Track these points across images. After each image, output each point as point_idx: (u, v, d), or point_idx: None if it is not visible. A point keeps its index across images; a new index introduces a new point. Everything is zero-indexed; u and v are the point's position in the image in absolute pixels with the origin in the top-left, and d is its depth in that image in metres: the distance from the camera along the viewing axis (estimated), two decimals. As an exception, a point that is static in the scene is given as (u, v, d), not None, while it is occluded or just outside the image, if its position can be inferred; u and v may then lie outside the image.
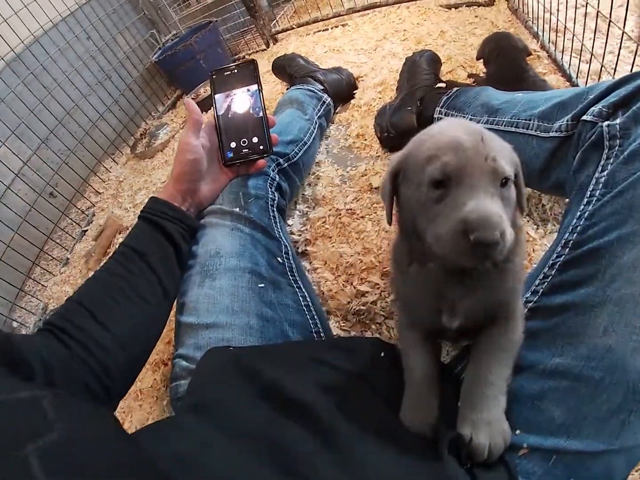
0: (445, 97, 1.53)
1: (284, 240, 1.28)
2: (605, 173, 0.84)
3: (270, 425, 0.69)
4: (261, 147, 1.29)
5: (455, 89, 1.54)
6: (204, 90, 3.01)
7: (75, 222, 2.65)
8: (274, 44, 3.28)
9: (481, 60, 1.88)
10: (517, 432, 0.71)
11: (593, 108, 0.93)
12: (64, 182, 2.65)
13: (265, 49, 3.30)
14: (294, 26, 3.14)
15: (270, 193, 1.36)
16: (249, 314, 1.07)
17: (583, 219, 0.83)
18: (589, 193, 0.85)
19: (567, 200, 1.01)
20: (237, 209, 1.24)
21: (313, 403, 0.72)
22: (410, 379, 0.80)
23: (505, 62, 1.72)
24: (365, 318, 1.32)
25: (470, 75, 1.97)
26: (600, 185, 0.83)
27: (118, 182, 2.82)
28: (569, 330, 0.74)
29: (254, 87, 1.30)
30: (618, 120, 0.86)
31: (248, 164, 1.30)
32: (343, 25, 2.93)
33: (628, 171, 0.79)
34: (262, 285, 1.13)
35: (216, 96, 1.30)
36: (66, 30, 2.81)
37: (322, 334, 1.13)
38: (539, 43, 2.00)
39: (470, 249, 0.58)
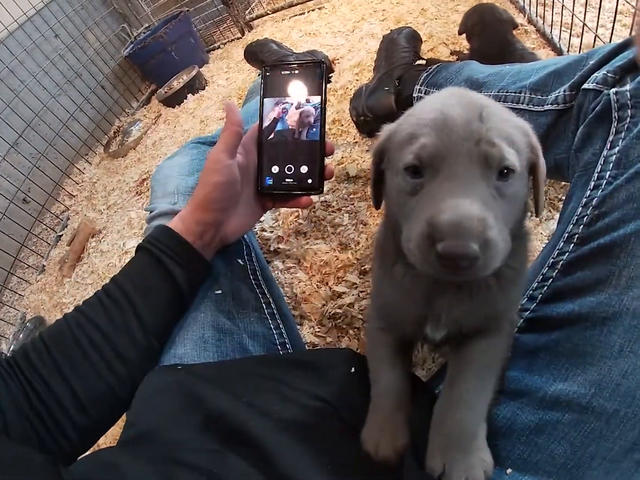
0: (425, 74, 1.39)
1: (247, 240, 1.14)
2: (616, 150, 0.69)
3: (211, 459, 0.60)
4: (309, 181, 0.93)
5: (435, 64, 1.40)
6: (177, 82, 2.90)
7: (49, 227, 2.57)
8: (249, 31, 3.17)
9: (464, 36, 1.74)
10: (509, 471, 0.59)
11: (595, 74, 0.78)
12: (36, 187, 2.56)
13: (240, 37, 3.20)
14: (268, 12, 3.03)
15: None
16: (204, 326, 0.94)
17: (590, 207, 0.68)
18: (596, 175, 0.70)
19: (566, 183, 0.87)
20: None
21: (260, 435, 0.62)
22: (376, 393, 0.70)
23: (490, 35, 1.58)
24: (342, 322, 1.19)
25: (453, 53, 1.85)
26: (611, 165, 0.69)
27: (92, 184, 2.72)
28: (575, 348, 0.60)
29: (317, 99, 0.93)
30: (628, 87, 0.71)
31: (288, 197, 0.98)
32: (320, 9, 2.83)
33: None
34: (219, 291, 0.99)
35: (265, 100, 0.97)
36: (32, 30, 2.71)
37: (288, 346, 1.00)
38: (526, 17, 1.89)
39: (439, 261, 0.45)
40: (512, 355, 0.67)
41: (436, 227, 0.45)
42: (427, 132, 0.50)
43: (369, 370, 0.74)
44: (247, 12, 3.18)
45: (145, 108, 3.21)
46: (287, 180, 0.95)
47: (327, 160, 0.93)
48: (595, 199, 0.68)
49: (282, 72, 0.96)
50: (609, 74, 0.76)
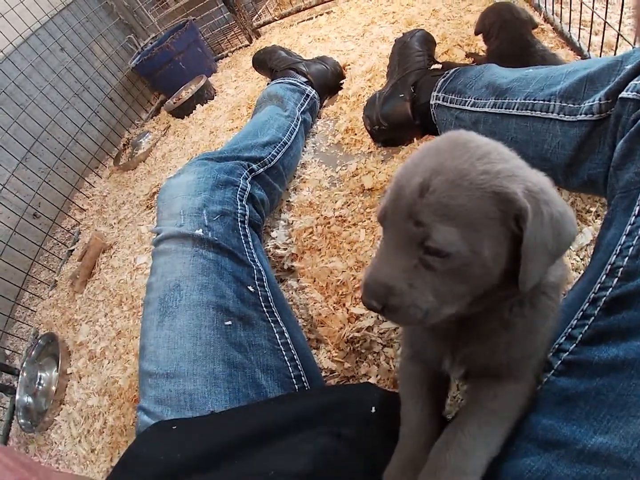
0: (442, 80, 1.33)
1: (258, 264, 1.08)
2: None
3: None
4: None
5: (453, 69, 1.34)
6: (185, 92, 2.86)
7: (60, 242, 2.53)
8: (257, 38, 3.12)
9: (480, 37, 1.66)
10: None
11: (635, 82, 0.71)
12: (46, 202, 2.51)
13: (248, 45, 3.16)
14: (276, 18, 2.98)
15: (239, 207, 1.17)
16: (214, 360, 0.89)
17: (637, 237, 0.60)
18: None
19: (600, 199, 0.79)
20: (200, 231, 1.06)
21: None
22: (403, 433, 0.67)
23: (509, 35, 1.50)
24: (361, 347, 1.12)
25: (468, 55, 1.77)
26: None
27: (102, 197, 2.68)
28: (618, 398, 0.53)
29: None
30: None
31: None
32: (328, 13, 2.77)
33: None
34: (230, 322, 0.94)
35: None
36: (38, 43, 2.68)
37: (303, 378, 0.93)
38: (542, 16, 1.81)
39: None
40: (548, 401, 0.61)
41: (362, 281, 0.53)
42: (387, 197, 0.54)
43: (395, 407, 0.70)
44: (254, 19, 3.14)
45: (154, 119, 3.17)
46: None
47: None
48: None
49: None
50: None
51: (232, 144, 1.42)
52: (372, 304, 0.51)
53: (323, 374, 1.11)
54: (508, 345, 0.59)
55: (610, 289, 0.60)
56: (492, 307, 0.57)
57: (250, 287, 1.02)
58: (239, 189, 1.22)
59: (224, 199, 1.16)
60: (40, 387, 1.76)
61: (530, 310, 0.58)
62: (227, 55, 3.29)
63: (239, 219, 1.15)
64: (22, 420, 1.62)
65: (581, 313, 0.62)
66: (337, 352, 1.14)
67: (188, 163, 1.29)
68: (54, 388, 1.66)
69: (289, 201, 1.61)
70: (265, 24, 3.08)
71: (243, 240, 1.11)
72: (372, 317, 1.14)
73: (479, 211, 0.48)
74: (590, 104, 0.81)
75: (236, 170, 1.27)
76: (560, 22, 1.67)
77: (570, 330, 0.63)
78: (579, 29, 1.51)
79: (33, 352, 1.81)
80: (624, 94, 0.73)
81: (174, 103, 2.86)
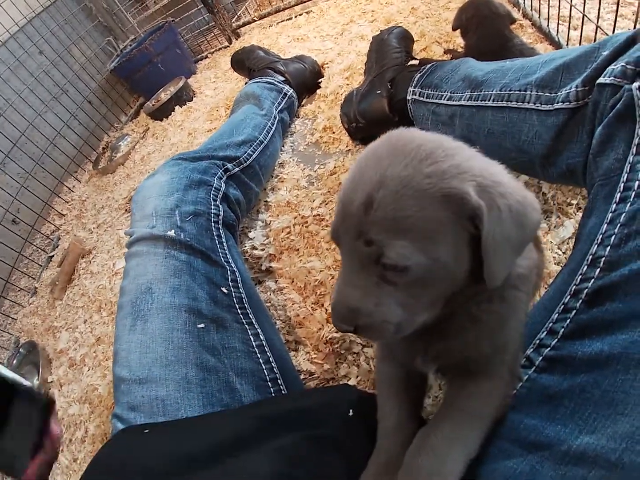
0: (419, 75, 1.32)
1: (232, 265, 1.06)
2: None
3: None
4: None
5: (429, 64, 1.33)
6: (164, 94, 2.83)
7: (40, 248, 2.48)
8: (237, 39, 3.11)
9: (458, 34, 1.66)
10: None
11: (612, 67, 0.69)
12: (25, 208, 2.48)
13: (227, 46, 3.14)
14: (255, 19, 2.96)
15: (213, 207, 1.15)
16: (187, 364, 0.87)
17: (618, 225, 0.58)
18: (622, 185, 0.61)
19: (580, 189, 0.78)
20: (172, 232, 1.03)
21: None
22: (380, 434, 0.66)
23: (487, 30, 1.49)
24: (340, 347, 1.10)
25: (447, 51, 1.77)
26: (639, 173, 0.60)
27: (81, 202, 2.64)
28: (604, 395, 0.51)
29: None
30: None
31: None
32: (307, 13, 2.77)
33: None
34: (202, 325, 0.91)
35: None
36: (16, 47, 2.66)
37: (279, 381, 0.91)
38: (521, 11, 1.82)
39: None
40: (530, 400, 0.58)
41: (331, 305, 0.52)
42: (336, 215, 0.52)
43: (373, 409, 0.68)
44: (233, 19, 3.12)
45: (133, 122, 3.14)
46: None
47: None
48: (624, 214, 0.58)
49: None
50: (628, 66, 0.66)
51: (208, 144, 1.40)
52: (342, 327, 0.51)
53: (302, 376, 1.09)
54: (477, 340, 0.57)
55: (593, 280, 0.58)
56: (462, 304, 0.55)
57: (223, 289, 1.00)
58: (213, 189, 1.19)
59: (197, 199, 1.13)
60: (22, 395, 1.72)
61: (499, 304, 0.56)
62: (206, 57, 3.28)
63: (212, 219, 1.12)
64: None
65: (562, 306, 0.61)
66: (316, 354, 1.12)
67: (162, 164, 1.27)
68: (34, 396, 1.62)
69: (266, 201, 1.59)
70: (244, 24, 3.07)
71: (217, 241, 1.09)
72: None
73: (430, 219, 0.46)
74: (567, 91, 0.79)
75: (210, 169, 1.24)
76: (539, 17, 1.67)
77: (551, 324, 0.61)
78: (558, 23, 1.51)
79: (14, 361, 1.78)
80: (601, 80, 0.71)
81: (153, 105, 2.83)
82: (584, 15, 1.36)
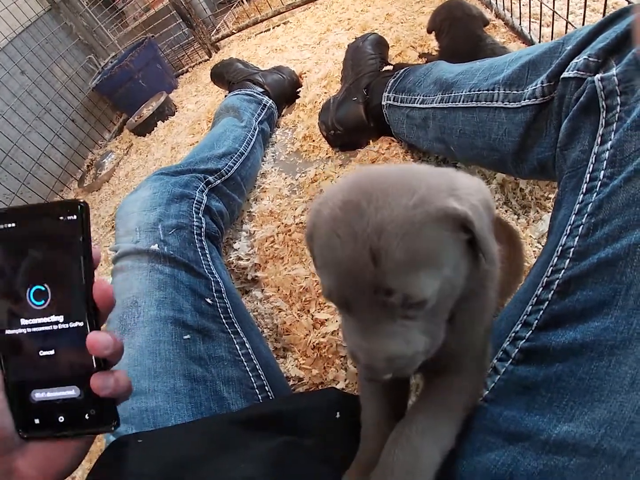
0: (393, 80, 1.34)
1: (216, 276, 1.07)
2: (608, 145, 0.61)
3: None
4: (90, 415, 0.51)
5: (403, 69, 1.34)
6: (147, 110, 2.83)
7: None
8: (216, 52, 3.13)
9: (433, 37, 1.68)
10: None
11: (575, 60, 0.70)
12: (12, 230, 2.44)
13: (207, 60, 3.16)
14: (234, 31, 2.99)
15: (195, 220, 1.16)
16: (175, 375, 0.87)
17: (586, 215, 0.59)
18: (588, 176, 0.62)
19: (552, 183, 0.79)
20: (155, 246, 1.04)
21: None
22: (363, 434, 0.66)
23: (460, 31, 1.52)
24: (327, 352, 1.11)
25: (421, 55, 1.79)
26: (604, 163, 0.60)
27: (67, 222, 2.60)
28: (580, 383, 0.51)
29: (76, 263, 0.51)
30: (614, 71, 0.63)
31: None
32: (285, 23, 2.80)
33: None
34: (188, 336, 0.92)
35: None
36: (-3, 68, 2.64)
37: (267, 388, 0.92)
38: (494, 12, 1.84)
39: None
40: (508, 392, 0.59)
41: (357, 360, 0.50)
42: (332, 277, 0.49)
43: (358, 409, 0.68)
44: (212, 33, 3.13)
45: (117, 139, 3.14)
46: (55, 416, 0.51)
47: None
48: (590, 204, 0.59)
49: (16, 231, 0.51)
50: (590, 59, 0.67)
51: (189, 158, 1.41)
52: (385, 378, 0.50)
53: (291, 382, 1.09)
54: (450, 338, 0.57)
55: (563, 270, 0.59)
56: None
57: (208, 299, 1.00)
58: (195, 202, 1.20)
59: (180, 213, 1.14)
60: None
61: (472, 302, 0.57)
62: (187, 71, 3.29)
63: (195, 231, 1.13)
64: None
65: (536, 298, 0.61)
66: (305, 360, 1.13)
67: (145, 179, 1.28)
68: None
69: (249, 211, 1.60)
70: (223, 37, 3.09)
71: (200, 253, 1.10)
72: (336, 321, 1.13)
73: (433, 245, 0.47)
74: (533, 88, 0.80)
75: (192, 183, 1.25)
76: (512, 16, 1.70)
77: (525, 316, 0.62)
78: (530, 22, 1.53)
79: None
80: (565, 74, 0.72)
81: (136, 121, 2.84)
82: (554, 12, 1.38)
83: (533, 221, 1.13)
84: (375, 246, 0.45)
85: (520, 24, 1.62)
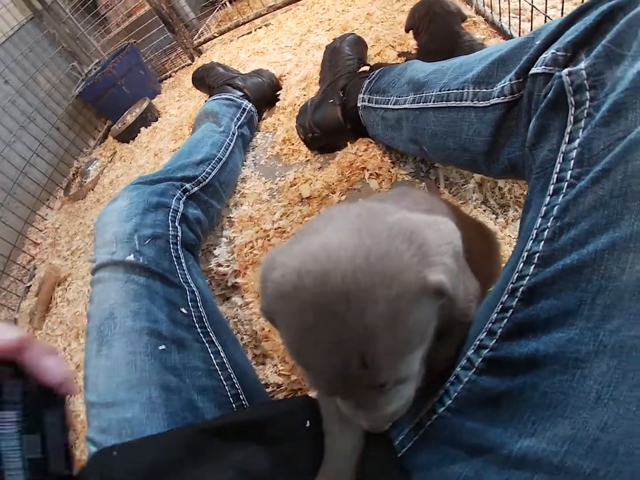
0: (368, 81, 1.33)
1: (192, 285, 1.06)
2: (576, 143, 0.57)
3: None
4: None
5: (378, 69, 1.33)
6: (130, 116, 2.82)
7: (17, 279, 2.44)
8: (199, 56, 3.11)
9: (412, 36, 1.67)
10: None
11: (544, 55, 0.67)
12: (-1, 240, 2.44)
13: (190, 64, 3.14)
14: (215, 35, 2.97)
15: (171, 229, 1.15)
16: (150, 386, 0.87)
17: (552, 218, 0.56)
18: (555, 176, 0.58)
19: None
20: (131, 257, 1.03)
21: None
22: (328, 447, 0.65)
23: (438, 28, 1.51)
24: (305, 357, 1.09)
25: (400, 54, 1.78)
26: (572, 162, 0.56)
27: (54, 230, 2.62)
28: (542, 397, 0.49)
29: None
30: (583, 65, 0.59)
31: None
32: (266, 26, 2.78)
33: (611, 136, 0.53)
34: (163, 347, 0.91)
35: None
36: (-20, 79, 2.63)
37: (242, 396, 0.92)
38: (473, 8, 1.84)
39: None
40: (471, 403, 0.58)
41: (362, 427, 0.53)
42: (315, 375, 0.48)
43: None
44: (195, 37, 3.12)
45: (101, 146, 3.13)
46: None
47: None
48: (557, 206, 0.56)
49: None
50: (559, 53, 0.64)
51: (167, 165, 1.40)
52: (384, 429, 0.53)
53: (270, 389, 1.09)
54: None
55: (528, 277, 0.55)
56: None
57: (183, 309, 1.00)
58: (171, 211, 1.19)
59: (155, 222, 1.13)
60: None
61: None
62: (170, 76, 3.27)
63: (171, 240, 1.12)
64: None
65: (501, 306, 0.58)
66: (283, 366, 1.12)
67: (123, 189, 1.27)
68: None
69: (229, 217, 1.59)
70: (205, 41, 3.07)
71: (175, 262, 1.09)
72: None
73: (419, 324, 0.46)
74: (502, 85, 0.77)
75: (168, 191, 1.24)
76: (492, 12, 1.69)
77: (490, 324, 0.58)
78: (509, 17, 1.53)
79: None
80: (533, 70, 0.68)
81: (119, 128, 2.83)
82: (532, 7, 1.38)
83: (512, 220, 1.12)
84: (364, 350, 0.43)
85: (500, 19, 1.62)
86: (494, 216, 1.14)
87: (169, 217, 1.17)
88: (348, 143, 1.54)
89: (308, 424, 0.70)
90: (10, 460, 0.38)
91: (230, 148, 1.57)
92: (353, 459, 0.62)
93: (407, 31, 1.65)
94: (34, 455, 0.41)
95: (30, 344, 0.46)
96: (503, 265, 0.70)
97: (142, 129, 2.72)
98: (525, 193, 1.10)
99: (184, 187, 1.29)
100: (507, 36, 1.57)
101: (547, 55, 0.65)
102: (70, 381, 0.50)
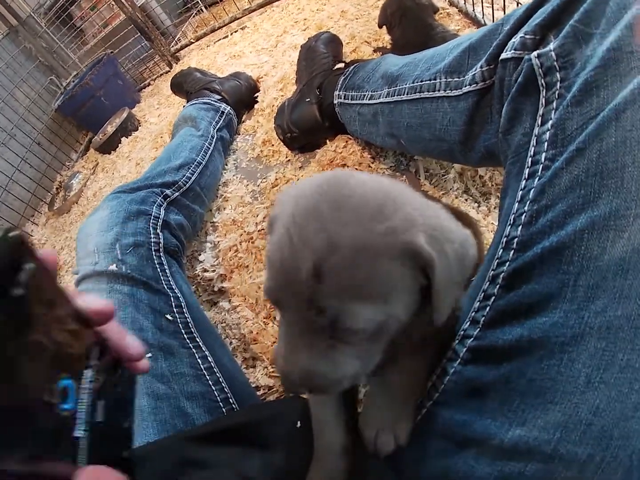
0: (343, 78, 1.32)
1: (176, 291, 1.05)
2: (549, 125, 0.57)
3: None
4: None
5: (352, 66, 1.33)
6: (110, 127, 2.79)
7: None
8: (177, 63, 3.10)
9: (385, 30, 1.67)
10: None
11: (513, 40, 0.67)
12: (-16, 259, 2.40)
13: (169, 71, 3.12)
14: (192, 40, 2.97)
15: (152, 236, 1.14)
16: (138, 395, 0.84)
17: (528, 202, 0.56)
18: (530, 160, 0.58)
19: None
20: (113, 266, 1.02)
21: None
22: (318, 445, 0.65)
23: (411, 22, 1.51)
24: (296, 357, 1.09)
25: (376, 50, 1.79)
26: (545, 144, 0.56)
27: (41, 245, 2.57)
28: (530, 384, 0.48)
29: None
30: (551, 46, 0.59)
31: None
32: (242, 29, 2.77)
33: (584, 115, 0.53)
34: (150, 355, 0.90)
35: None
36: (-42, 98, 2.59)
37: (231, 400, 0.91)
38: (447, 0, 1.83)
39: None
40: (457, 394, 0.57)
41: (277, 369, 0.50)
42: (272, 276, 0.47)
43: None
44: (172, 44, 3.10)
45: (83, 159, 3.10)
46: None
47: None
48: (533, 190, 0.56)
49: None
50: (527, 36, 0.64)
51: (147, 173, 1.39)
52: (298, 391, 0.51)
53: (261, 391, 1.08)
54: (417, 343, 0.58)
55: (508, 263, 0.55)
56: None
57: (168, 316, 0.99)
58: (152, 218, 1.18)
59: (137, 230, 1.12)
60: None
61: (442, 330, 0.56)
62: (149, 84, 3.25)
63: (153, 248, 1.11)
64: None
65: (483, 294, 0.58)
66: (273, 368, 1.11)
67: (103, 199, 1.26)
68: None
69: (213, 222, 1.58)
70: (182, 47, 3.07)
71: (159, 269, 1.08)
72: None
73: (387, 277, 0.44)
74: (473, 73, 0.77)
75: (149, 198, 1.23)
76: (465, 3, 1.70)
77: (473, 313, 0.58)
78: (482, 6, 1.52)
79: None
80: (503, 55, 0.69)
81: (100, 139, 2.80)
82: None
83: (494, 208, 1.12)
84: (323, 264, 0.43)
85: (473, 9, 1.62)
86: (476, 205, 1.14)
87: (150, 224, 1.16)
88: (327, 141, 1.54)
89: (299, 424, 0.70)
90: (82, 415, 0.40)
91: (210, 151, 1.56)
92: (344, 457, 0.62)
93: (380, 27, 1.66)
94: (99, 420, 0.42)
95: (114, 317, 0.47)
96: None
97: (123, 139, 2.70)
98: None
99: (165, 193, 1.28)
100: (481, 26, 1.56)
101: (516, 39, 0.66)
102: (145, 360, 0.50)
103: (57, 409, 0.36)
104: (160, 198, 1.25)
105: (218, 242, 1.50)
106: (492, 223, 1.09)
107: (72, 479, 0.35)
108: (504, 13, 1.39)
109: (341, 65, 1.48)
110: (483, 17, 1.54)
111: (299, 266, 0.43)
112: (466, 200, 1.16)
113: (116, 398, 0.45)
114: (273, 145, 1.72)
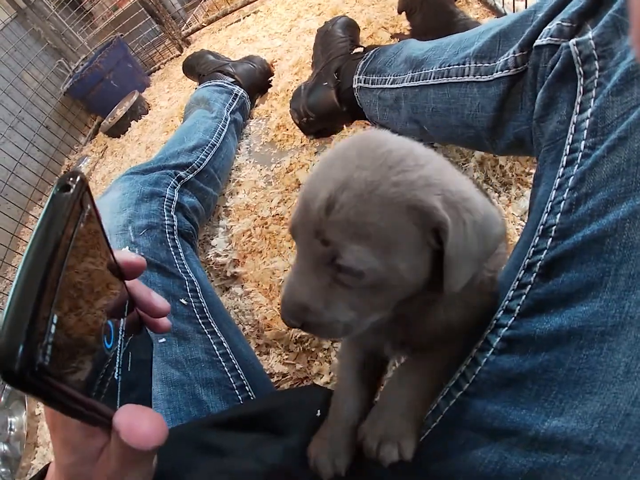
0: (363, 62, 1.30)
1: (190, 275, 1.03)
2: (588, 113, 0.57)
3: None
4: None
5: (372, 50, 1.31)
6: (120, 111, 2.77)
7: (12, 281, 2.39)
8: (187, 47, 3.06)
9: (405, 16, 1.63)
10: None
11: (548, 27, 0.67)
12: (-8, 243, 2.40)
13: (179, 55, 3.08)
14: (204, 24, 2.92)
15: (166, 218, 1.12)
16: (152, 381, 0.84)
17: (567, 189, 0.55)
18: (568, 147, 0.58)
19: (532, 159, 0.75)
20: (126, 249, 1.00)
21: None
22: (331, 416, 0.67)
23: (432, 8, 1.48)
24: (310, 345, 1.09)
25: (394, 36, 1.75)
26: (585, 132, 0.56)
27: (48, 230, 2.55)
28: (569, 374, 0.48)
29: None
30: (590, 34, 0.59)
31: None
32: (255, 13, 2.73)
33: (625, 104, 0.52)
34: (163, 340, 0.89)
35: None
36: (-34, 80, 2.57)
37: (247, 387, 0.89)
38: (466, -13, 1.79)
39: None
40: (491, 385, 0.55)
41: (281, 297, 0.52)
42: (296, 209, 0.51)
43: None
44: (183, 28, 3.07)
45: (91, 142, 3.09)
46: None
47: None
48: (572, 177, 0.55)
49: None
50: (564, 23, 0.64)
51: (159, 154, 1.38)
52: (290, 322, 0.50)
53: (275, 378, 1.07)
54: (446, 330, 0.58)
55: (545, 251, 0.55)
56: (426, 304, 0.55)
57: (182, 300, 0.97)
58: (166, 200, 1.16)
59: (150, 212, 1.10)
60: (12, 432, 1.68)
61: (464, 309, 0.56)
62: (159, 68, 3.22)
63: (167, 230, 1.09)
64: (2, 469, 1.55)
65: (517, 282, 0.57)
66: (288, 355, 1.10)
67: (115, 180, 1.24)
68: (25, 431, 1.60)
69: (225, 206, 1.57)
70: (193, 31, 3.02)
71: (173, 252, 1.06)
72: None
73: (392, 228, 0.45)
74: (505, 59, 0.77)
75: (162, 180, 1.21)
76: (484, -9, 1.66)
77: (507, 302, 0.57)
78: (503, -5, 1.50)
79: (2, 398, 1.74)
80: (538, 42, 0.68)
81: (109, 123, 2.78)
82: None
83: (515, 198, 1.11)
84: (336, 197, 0.45)
85: (493, -2, 1.58)
86: (497, 195, 1.12)
87: (164, 206, 1.15)
88: (344, 126, 1.51)
89: (319, 413, 0.69)
90: (118, 360, 0.42)
91: (224, 133, 1.54)
92: (351, 433, 0.63)
93: (399, 12, 1.62)
94: (129, 370, 0.44)
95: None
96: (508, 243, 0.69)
97: (133, 122, 2.68)
98: (526, 170, 1.09)
99: (178, 175, 1.26)
100: (501, 15, 1.53)
101: (552, 26, 0.65)
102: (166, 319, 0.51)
103: (104, 345, 0.39)
104: (174, 180, 1.23)
105: (231, 226, 1.48)
106: (512, 214, 1.08)
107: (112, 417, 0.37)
108: (525, 3, 1.37)
109: (359, 49, 1.45)
110: (503, 7, 1.51)
111: (316, 198, 0.46)
112: (486, 189, 1.14)
113: (139, 357, 0.47)
114: (287, 129, 1.70)
